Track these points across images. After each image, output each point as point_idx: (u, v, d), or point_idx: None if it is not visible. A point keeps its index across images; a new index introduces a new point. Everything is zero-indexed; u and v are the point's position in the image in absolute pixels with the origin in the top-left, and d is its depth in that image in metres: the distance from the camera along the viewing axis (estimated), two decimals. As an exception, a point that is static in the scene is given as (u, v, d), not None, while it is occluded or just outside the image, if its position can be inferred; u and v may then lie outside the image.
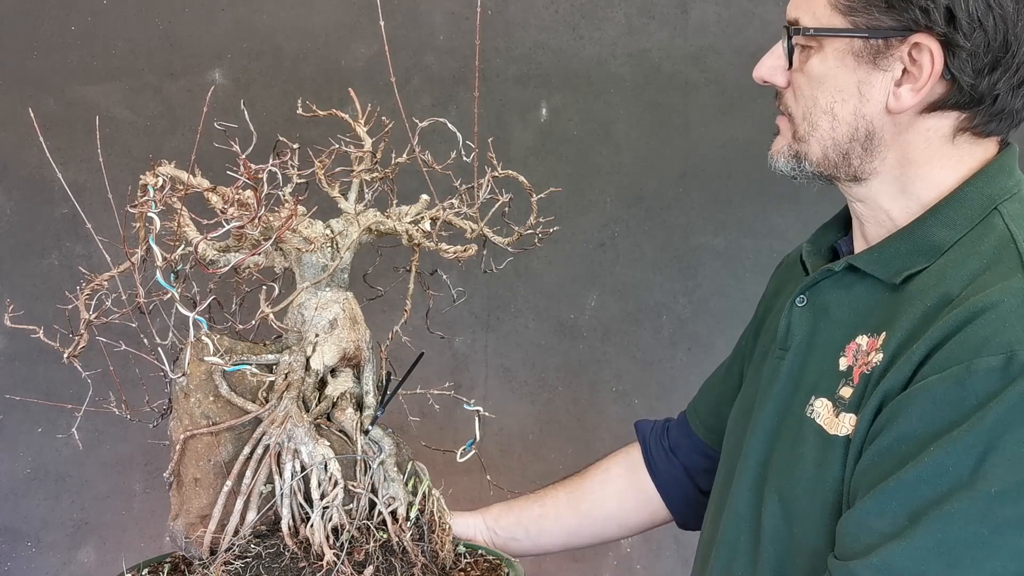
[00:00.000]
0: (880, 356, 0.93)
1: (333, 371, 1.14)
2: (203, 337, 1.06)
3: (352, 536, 1.04)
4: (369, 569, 1.01)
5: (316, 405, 1.10)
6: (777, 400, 1.04)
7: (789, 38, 0.99)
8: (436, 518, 1.08)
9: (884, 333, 0.94)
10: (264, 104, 2.23)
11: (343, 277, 1.14)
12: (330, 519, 1.04)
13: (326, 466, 1.05)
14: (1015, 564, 0.80)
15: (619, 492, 1.35)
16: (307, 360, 1.11)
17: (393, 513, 1.07)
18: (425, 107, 2.34)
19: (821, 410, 0.97)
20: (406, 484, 1.09)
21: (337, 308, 1.12)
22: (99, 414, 2.29)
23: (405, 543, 1.04)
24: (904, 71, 0.94)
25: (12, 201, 2.23)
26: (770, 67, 1.02)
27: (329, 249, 1.12)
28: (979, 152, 0.98)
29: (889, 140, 0.97)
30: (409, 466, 1.11)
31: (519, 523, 1.34)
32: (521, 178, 1.18)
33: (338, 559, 1.01)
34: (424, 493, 1.10)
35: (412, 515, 1.08)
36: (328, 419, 1.12)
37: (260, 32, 2.27)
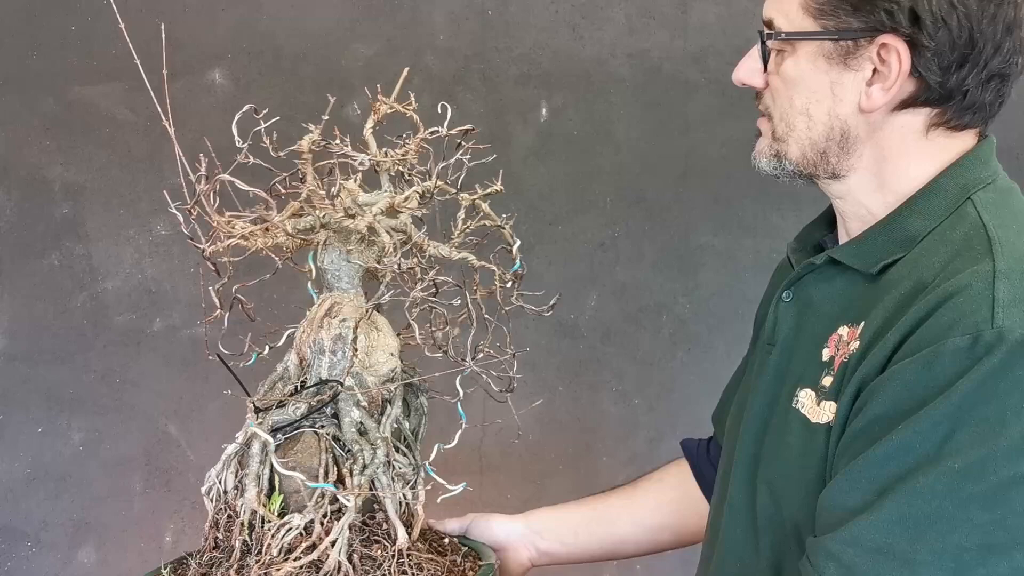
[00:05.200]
0: (857, 344, 0.95)
1: None
2: None
3: (222, 516, 1.09)
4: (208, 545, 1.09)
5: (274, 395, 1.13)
6: (765, 394, 1.07)
7: (763, 41, 1.02)
8: (266, 543, 1.05)
9: (863, 322, 0.96)
10: (264, 104, 2.23)
11: (326, 279, 1.14)
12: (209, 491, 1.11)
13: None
14: (978, 537, 0.82)
15: (676, 500, 1.35)
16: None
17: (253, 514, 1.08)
18: (425, 107, 2.34)
19: (805, 400, 0.99)
20: (268, 500, 1.09)
21: (313, 309, 1.13)
22: (99, 414, 2.29)
23: (234, 543, 1.06)
24: (874, 71, 0.96)
25: (12, 201, 2.23)
26: (748, 69, 1.05)
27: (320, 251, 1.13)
28: (955, 145, 1.00)
29: (864, 138, 1.00)
30: (280, 482, 1.09)
31: (567, 524, 1.34)
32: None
33: (211, 528, 1.09)
34: (267, 515, 1.07)
35: (245, 523, 1.07)
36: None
37: (260, 32, 2.27)
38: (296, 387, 1.14)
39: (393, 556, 1.06)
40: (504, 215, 1.19)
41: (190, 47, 2.24)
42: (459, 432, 1.17)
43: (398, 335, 1.17)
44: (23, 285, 2.25)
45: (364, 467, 1.09)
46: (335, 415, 1.11)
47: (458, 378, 1.18)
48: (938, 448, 0.83)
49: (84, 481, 2.30)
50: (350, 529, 1.06)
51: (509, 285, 1.19)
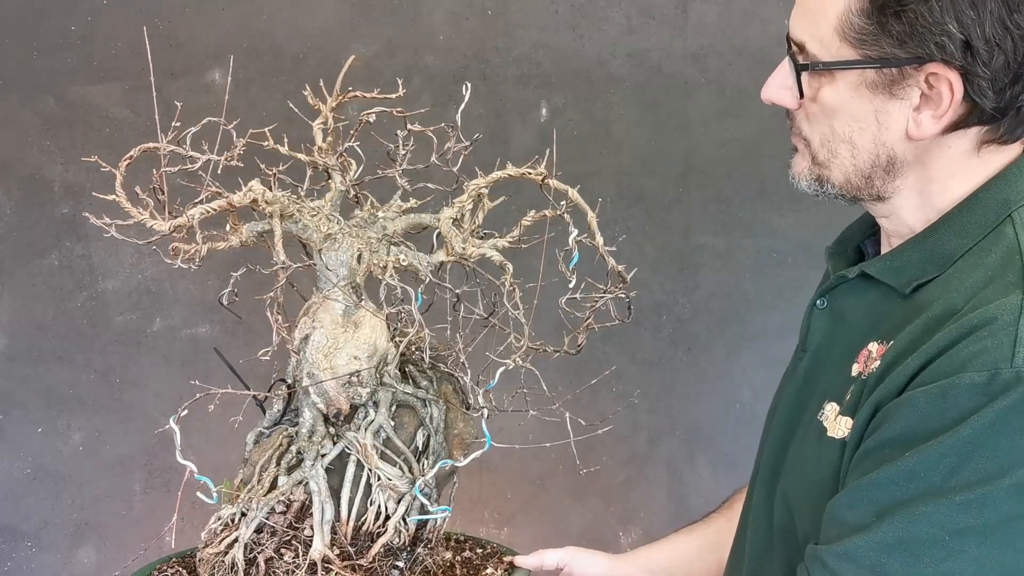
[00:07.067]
0: (878, 364, 0.93)
1: None
2: None
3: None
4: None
5: None
6: (793, 401, 1.06)
7: (795, 65, 0.95)
8: (206, 528, 1.08)
9: (892, 341, 0.94)
10: (264, 104, 2.23)
11: (320, 280, 1.14)
12: None
13: None
14: (972, 568, 0.83)
15: None
16: None
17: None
18: (425, 107, 2.35)
19: (829, 413, 0.98)
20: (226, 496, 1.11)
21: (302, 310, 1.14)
22: (99, 414, 2.29)
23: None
24: (922, 95, 0.92)
25: (12, 201, 2.23)
26: (778, 87, 0.99)
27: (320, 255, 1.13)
28: (1002, 158, 0.96)
29: (911, 161, 0.96)
30: (226, 484, 1.11)
31: (677, 557, 1.31)
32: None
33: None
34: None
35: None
36: None
37: (260, 32, 2.27)
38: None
39: (300, 566, 1.01)
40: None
41: (190, 47, 2.24)
42: (479, 452, 1.14)
43: (393, 338, 1.14)
44: (23, 285, 2.25)
45: (290, 468, 1.08)
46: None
47: (480, 393, 1.17)
48: (943, 480, 0.83)
49: (84, 481, 2.30)
50: (272, 533, 1.04)
51: (612, 292, 1.19)
